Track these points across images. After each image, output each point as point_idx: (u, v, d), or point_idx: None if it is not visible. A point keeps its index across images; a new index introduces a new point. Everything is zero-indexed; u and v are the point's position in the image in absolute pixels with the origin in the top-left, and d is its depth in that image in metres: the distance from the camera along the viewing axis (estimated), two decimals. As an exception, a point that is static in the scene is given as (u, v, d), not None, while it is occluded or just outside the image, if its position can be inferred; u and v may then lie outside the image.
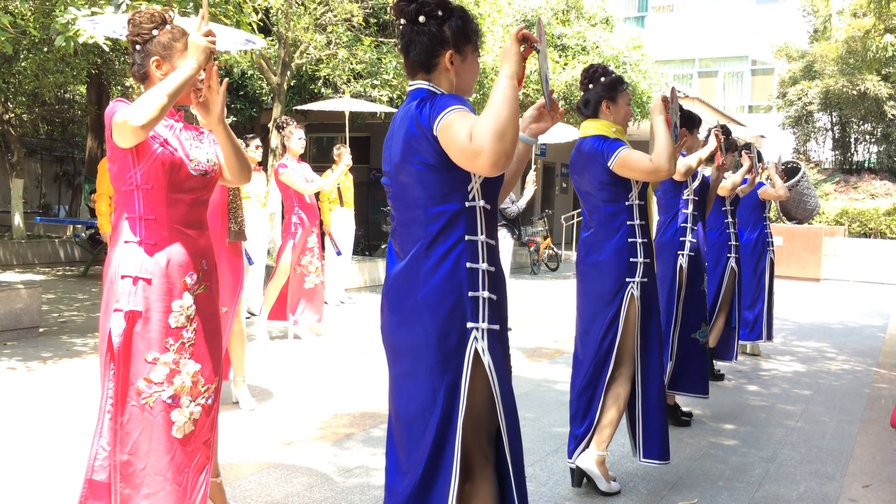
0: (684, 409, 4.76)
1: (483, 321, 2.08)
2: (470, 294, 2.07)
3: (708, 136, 4.47)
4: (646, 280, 3.36)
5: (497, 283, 2.15)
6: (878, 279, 14.85)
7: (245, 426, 4.26)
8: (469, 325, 2.07)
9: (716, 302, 5.55)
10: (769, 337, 6.66)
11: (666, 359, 4.34)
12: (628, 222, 3.35)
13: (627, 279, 3.33)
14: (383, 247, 14.36)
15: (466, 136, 1.92)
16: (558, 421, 4.50)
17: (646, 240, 3.37)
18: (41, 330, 6.61)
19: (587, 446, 3.44)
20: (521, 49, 2.05)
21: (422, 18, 2.12)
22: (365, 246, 14.78)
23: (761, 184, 6.56)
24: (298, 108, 10.01)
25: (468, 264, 2.07)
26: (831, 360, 7.04)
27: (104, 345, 2.37)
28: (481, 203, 2.10)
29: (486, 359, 2.08)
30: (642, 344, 3.39)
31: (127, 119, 2.23)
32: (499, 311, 2.15)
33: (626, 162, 3.24)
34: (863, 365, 6.83)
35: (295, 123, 6.62)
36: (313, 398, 4.91)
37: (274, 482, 3.44)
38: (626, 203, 3.35)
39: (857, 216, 19.60)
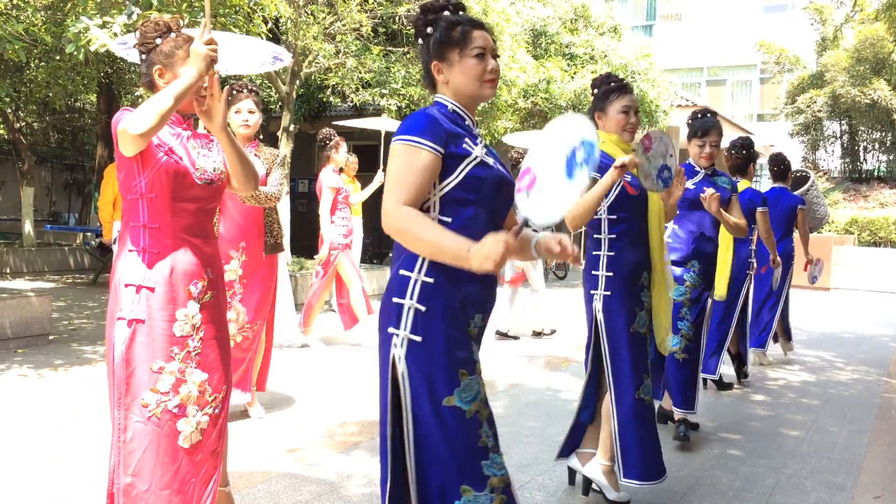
0: (691, 420, 4.73)
1: (404, 329, 2.09)
2: (394, 300, 2.12)
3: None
4: (608, 293, 3.32)
5: (437, 295, 2.10)
6: (889, 288, 14.76)
7: (254, 435, 4.26)
8: (390, 329, 2.12)
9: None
10: (755, 345, 6.81)
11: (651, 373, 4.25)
12: (595, 235, 3.39)
13: (591, 291, 3.38)
14: (391, 255, 14.33)
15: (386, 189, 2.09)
16: (565, 430, 4.46)
17: (612, 253, 3.32)
18: (51, 337, 6.64)
19: (573, 449, 3.55)
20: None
21: (420, 40, 2.26)
22: (373, 254, 14.79)
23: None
24: (337, 122, 10.05)
25: (401, 271, 2.14)
26: (840, 369, 7.00)
27: (110, 354, 2.37)
28: (436, 215, 2.12)
29: (401, 367, 2.10)
30: (611, 358, 3.35)
31: (126, 128, 2.25)
32: (434, 324, 2.09)
33: None
34: (873, 375, 6.78)
35: (340, 137, 6.83)
36: (321, 406, 4.91)
37: (282, 490, 3.44)
38: (595, 216, 3.38)
39: (866, 225, 19.49)
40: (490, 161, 2.19)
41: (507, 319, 7.82)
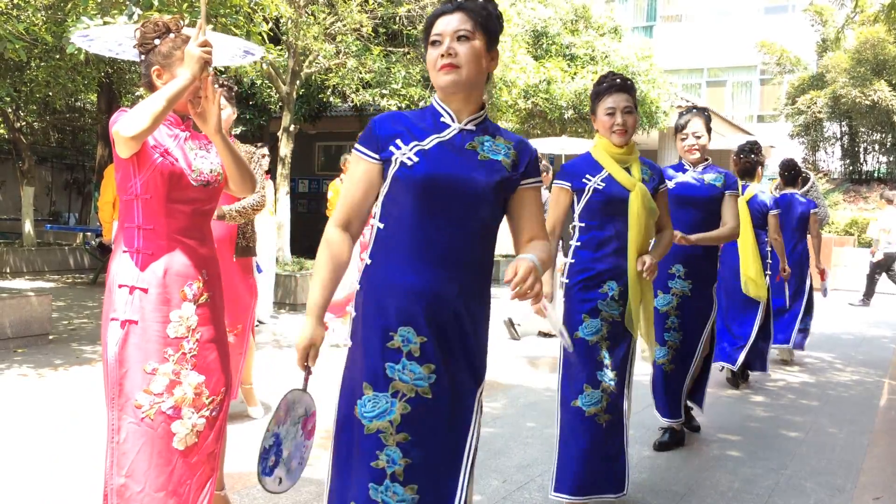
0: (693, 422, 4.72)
1: (348, 335, 2.24)
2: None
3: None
4: (564, 300, 3.37)
5: (362, 304, 2.11)
6: (888, 290, 14.71)
7: (253, 435, 4.26)
8: None
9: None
10: (777, 341, 6.79)
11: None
12: (569, 242, 3.42)
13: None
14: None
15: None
16: (566, 431, 4.48)
17: (573, 261, 3.35)
18: (51, 337, 6.63)
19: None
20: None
21: None
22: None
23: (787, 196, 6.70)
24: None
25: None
26: (840, 371, 7.00)
27: (105, 355, 2.37)
28: (377, 223, 2.12)
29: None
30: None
31: (119, 130, 2.25)
32: (355, 333, 2.16)
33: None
34: (872, 376, 6.78)
35: None
36: (321, 407, 4.89)
37: (281, 491, 3.43)
38: (571, 223, 3.42)
39: (866, 226, 19.46)
40: (411, 161, 2.01)
41: (522, 314, 7.75)
